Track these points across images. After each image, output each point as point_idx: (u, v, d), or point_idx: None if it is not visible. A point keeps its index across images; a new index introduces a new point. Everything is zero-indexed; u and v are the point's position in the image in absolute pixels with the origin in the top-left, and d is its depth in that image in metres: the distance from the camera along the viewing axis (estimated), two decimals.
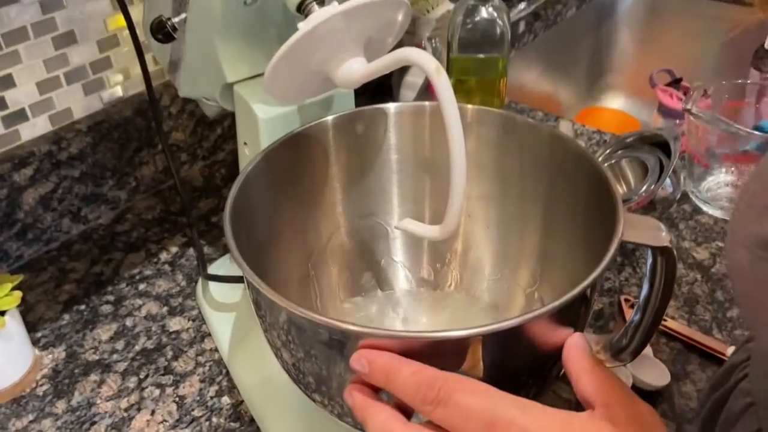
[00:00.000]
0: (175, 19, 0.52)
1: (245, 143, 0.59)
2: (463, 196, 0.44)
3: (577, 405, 0.41)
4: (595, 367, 0.40)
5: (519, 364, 0.43)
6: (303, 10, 0.48)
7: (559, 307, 0.40)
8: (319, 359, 0.44)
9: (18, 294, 0.62)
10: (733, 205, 0.34)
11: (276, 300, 0.41)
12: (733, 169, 0.84)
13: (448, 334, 0.38)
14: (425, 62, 0.42)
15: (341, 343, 0.42)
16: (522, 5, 1.23)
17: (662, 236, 0.46)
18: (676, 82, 1.16)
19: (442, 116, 0.42)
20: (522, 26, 1.24)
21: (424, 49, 0.94)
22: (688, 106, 0.83)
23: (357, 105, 0.61)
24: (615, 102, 1.42)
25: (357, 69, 0.47)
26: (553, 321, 0.42)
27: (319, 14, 0.44)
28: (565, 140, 0.51)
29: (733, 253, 0.33)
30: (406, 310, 0.62)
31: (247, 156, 0.60)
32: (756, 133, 0.77)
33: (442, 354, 0.40)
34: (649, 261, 0.47)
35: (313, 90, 0.53)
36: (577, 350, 0.41)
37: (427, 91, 0.93)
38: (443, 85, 0.41)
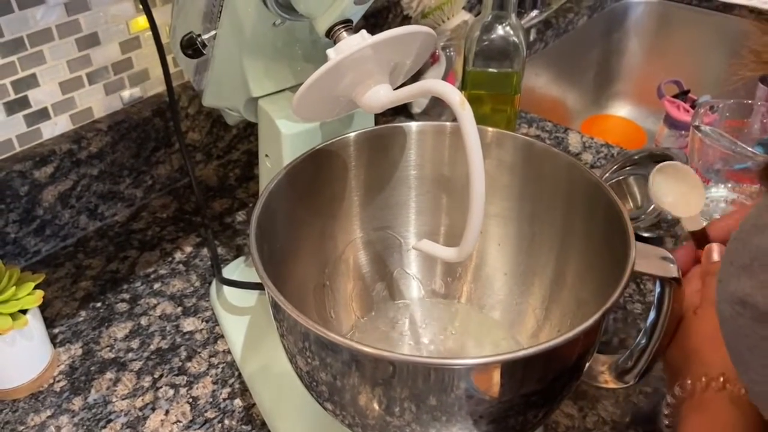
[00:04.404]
0: (205, 36, 0.54)
1: (267, 155, 0.61)
2: (480, 224, 0.46)
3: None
4: None
5: (532, 386, 0.45)
6: (332, 36, 0.49)
7: (578, 334, 0.42)
8: (334, 370, 0.46)
9: (40, 293, 0.64)
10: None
11: (300, 320, 0.43)
12: (729, 185, 0.86)
13: (468, 361, 0.40)
14: (450, 95, 0.43)
15: (358, 361, 0.44)
16: (534, 13, 1.24)
17: (671, 267, 0.48)
18: (683, 94, 1.18)
19: (465, 148, 0.43)
20: (533, 34, 1.25)
21: (439, 57, 0.96)
22: (696, 123, 0.85)
23: (376, 118, 0.63)
24: (622, 110, 1.43)
25: (382, 95, 0.48)
26: (570, 345, 0.44)
27: (349, 44, 0.46)
28: (581, 170, 0.53)
29: (719, 303, 0.36)
30: (417, 322, 0.64)
31: (269, 168, 0.61)
32: (759, 154, 0.79)
33: (459, 377, 0.42)
34: (657, 290, 0.49)
35: (338, 111, 0.54)
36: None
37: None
38: (467, 118, 0.43)
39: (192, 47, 0.54)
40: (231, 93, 0.61)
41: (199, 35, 0.54)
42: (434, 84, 0.44)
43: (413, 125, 0.58)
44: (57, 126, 0.78)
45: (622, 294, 0.44)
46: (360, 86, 0.49)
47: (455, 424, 0.45)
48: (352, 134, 0.57)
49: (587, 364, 0.48)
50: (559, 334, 0.41)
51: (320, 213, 0.60)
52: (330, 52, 0.47)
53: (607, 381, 0.54)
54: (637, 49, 1.42)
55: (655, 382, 0.65)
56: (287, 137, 0.57)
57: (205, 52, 0.55)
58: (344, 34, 0.49)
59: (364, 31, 0.48)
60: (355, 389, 0.46)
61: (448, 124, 0.58)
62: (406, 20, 1.02)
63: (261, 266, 0.46)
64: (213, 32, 0.54)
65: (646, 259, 0.47)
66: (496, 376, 0.42)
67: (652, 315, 0.50)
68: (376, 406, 0.46)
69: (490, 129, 0.57)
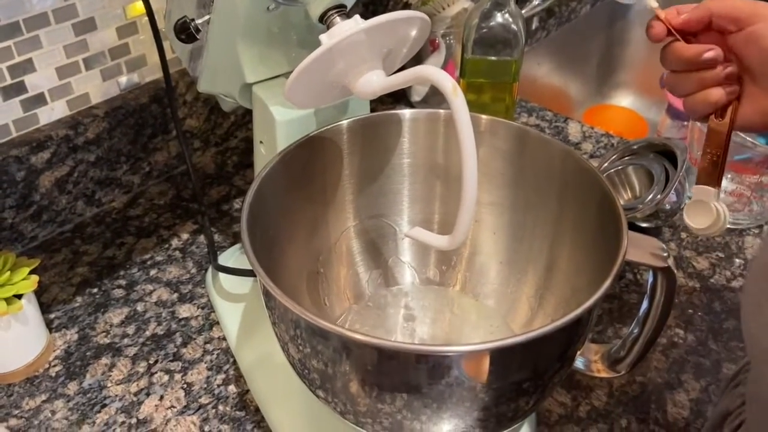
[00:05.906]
0: (199, 21, 0.54)
1: (261, 142, 0.61)
2: (473, 212, 0.45)
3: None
4: None
5: (523, 374, 0.45)
6: (325, 21, 0.49)
7: (566, 323, 0.42)
8: (325, 357, 0.46)
9: (35, 278, 0.64)
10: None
11: (290, 306, 0.42)
12: (729, 176, 0.85)
13: (458, 348, 0.40)
14: (442, 82, 0.43)
15: (348, 348, 0.44)
16: (536, 1, 1.23)
17: (663, 257, 0.47)
18: None
19: (457, 136, 0.43)
20: (535, 22, 1.24)
21: (438, 45, 0.95)
22: None
23: (376, 105, 0.63)
24: (624, 100, 1.42)
25: (375, 82, 0.48)
26: (559, 334, 0.44)
27: (341, 29, 0.46)
28: (576, 158, 0.53)
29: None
30: (412, 309, 0.64)
31: (263, 154, 0.61)
32: (759, 144, 0.78)
33: (449, 365, 0.42)
34: (650, 279, 0.49)
35: (331, 97, 0.54)
36: None
37: None
38: (459, 105, 0.42)
39: (185, 32, 0.53)
40: (225, 79, 0.60)
41: (193, 20, 0.54)
42: (426, 70, 0.44)
43: (407, 113, 0.58)
44: (54, 111, 0.78)
45: (614, 283, 0.44)
46: (353, 72, 0.48)
47: (446, 411, 0.45)
48: (345, 122, 0.57)
49: (578, 353, 0.48)
50: (551, 322, 0.41)
51: (314, 200, 0.59)
52: (323, 37, 0.47)
53: (600, 370, 0.54)
54: (640, 38, 1.41)
55: (648, 372, 0.65)
56: (281, 124, 0.57)
57: (198, 37, 0.54)
58: (337, 19, 0.48)
59: (357, 17, 0.48)
60: (346, 377, 0.46)
61: (441, 111, 0.58)
62: (407, 7, 1.01)
63: (252, 252, 0.46)
64: (207, 17, 0.54)
65: (639, 249, 0.47)
66: (485, 363, 0.42)
67: (644, 304, 0.50)
68: (367, 393, 0.46)
69: (483, 117, 0.56)
